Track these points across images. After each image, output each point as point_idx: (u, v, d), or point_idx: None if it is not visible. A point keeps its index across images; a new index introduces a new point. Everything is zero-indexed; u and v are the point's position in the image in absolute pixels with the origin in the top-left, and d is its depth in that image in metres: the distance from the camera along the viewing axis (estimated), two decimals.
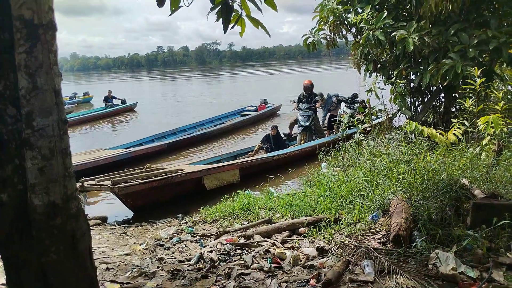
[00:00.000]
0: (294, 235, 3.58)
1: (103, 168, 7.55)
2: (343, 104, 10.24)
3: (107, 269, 3.16)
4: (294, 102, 9.43)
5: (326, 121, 10.36)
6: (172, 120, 16.04)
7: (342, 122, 7.45)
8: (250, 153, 8.79)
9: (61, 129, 1.66)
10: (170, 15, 2.87)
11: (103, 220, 5.25)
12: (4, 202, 1.67)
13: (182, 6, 2.77)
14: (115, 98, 20.05)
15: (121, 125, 17.11)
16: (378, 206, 3.59)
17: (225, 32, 2.99)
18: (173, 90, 35.80)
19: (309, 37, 7.52)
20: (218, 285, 2.75)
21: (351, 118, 7.26)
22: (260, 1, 2.99)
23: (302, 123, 8.95)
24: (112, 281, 2.89)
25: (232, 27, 3.10)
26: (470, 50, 5.63)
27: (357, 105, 9.42)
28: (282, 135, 9.42)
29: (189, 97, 27.32)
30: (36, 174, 1.63)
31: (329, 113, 10.32)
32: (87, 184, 5.68)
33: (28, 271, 1.71)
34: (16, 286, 1.76)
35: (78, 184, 5.77)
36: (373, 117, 7.21)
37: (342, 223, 3.47)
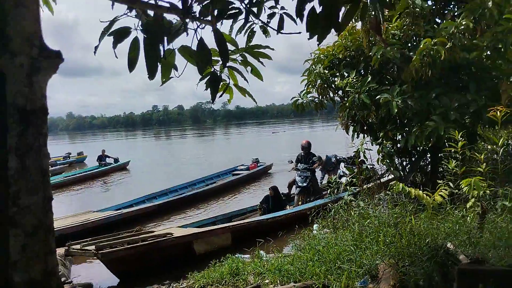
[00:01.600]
0: None
1: (92, 231, 7.45)
2: (342, 165, 10.32)
3: None
4: (292, 162, 9.49)
5: (325, 182, 10.35)
6: (164, 179, 16.05)
7: (340, 183, 7.43)
8: (248, 214, 8.72)
9: (45, 206, 1.72)
10: (161, 85, 3.03)
11: (88, 287, 5.10)
12: None
13: (172, 77, 2.94)
14: (108, 157, 20.41)
15: (113, 184, 17.13)
16: (366, 272, 3.56)
17: (213, 102, 3.13)
18: (166, 149, 36.13)
19: (298, 99, 7.80)
20: None
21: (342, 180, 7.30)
22: (247, 72, 3.19)
23: (300, 184, 8.95)
24: None
25: (221, 96, 3.26)
26: (451, 112, 5.86)
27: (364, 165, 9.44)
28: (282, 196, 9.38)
29: (182, 156, 27.52)
30: (18, 251, 1.66)
31: (327, 174, 10.36)
32: (73, 249, 5.58)
33: None
34: None
35: (64, 249, 5.67)
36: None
37: None
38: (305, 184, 8.91)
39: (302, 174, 8.99)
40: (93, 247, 5.45)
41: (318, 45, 2.61)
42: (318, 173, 10.27)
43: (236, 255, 5.17)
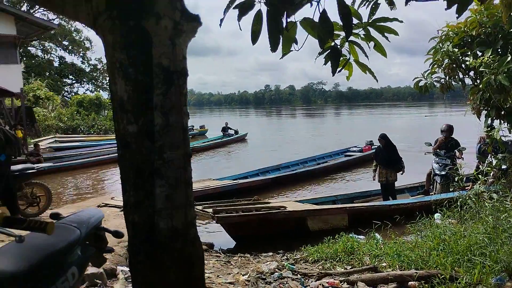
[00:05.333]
0: None
1: (211, 197, 8.00)
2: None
3: None
4: (431, 145, 8.35)
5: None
6: (275, 155, 16.46)
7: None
8: (372, 197, 8.23)
9: (186, 161, 1.85)
10: (281, 58, 3.02)
11: (210, 246, 5.51)
12: (136, 223, 1.88)
13: (292, 50, 2.91)
14: (230, 129, 23.60)
15: (233, 154, 18.72)
16: (503, 268, 3.17)
17: (333, 75, 3.03)
18: (278, 127, 36.89)
19: (421, 79, 7.17)
20: None
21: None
22: (369, 48, 3.00)
23: (437, 172, 8.04)
24: None
25: (340, 71, 3.14)
26: None
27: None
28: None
29: (293, 134, 27.90)
30: (163, 200, 1.81)
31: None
32: (196, 209, 6.07)
33: None
34: None
35: None
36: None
37: (459, 282, 3.13)
38: (443, 173, 7.88)
39: (441, 161, 7.99)
40: (211, 210, 5.88)
41: (457, 17, 2.30)
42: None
43: (351, 235, 5.05)
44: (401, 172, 8.06)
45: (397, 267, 3.78)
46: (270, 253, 5.06)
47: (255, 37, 2.64)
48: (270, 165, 12.32)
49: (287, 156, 14.95)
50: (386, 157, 7.99)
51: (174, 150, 1.81)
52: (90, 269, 3.27)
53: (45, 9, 26.35)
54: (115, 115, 1.90)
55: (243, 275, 3.85)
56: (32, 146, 14.28)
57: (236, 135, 23.18)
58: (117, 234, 2.17)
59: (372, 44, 2.97)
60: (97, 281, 3.30)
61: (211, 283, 3.57)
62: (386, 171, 7.95)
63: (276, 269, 4.01)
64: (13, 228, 1.22)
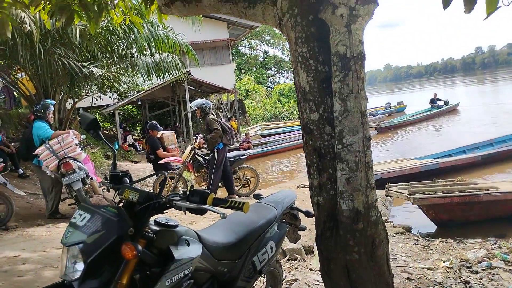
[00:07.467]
0: None
1: (408, 177, 7.62)
2: None
3: (408, 279, 3.22)
4: None
5: None
6: (491, 128, 14.30)
7: None
8: None
9: (365, 145, 1.89)
10: (485, 19, 2.64)
11: (407, 229, 5.32)
12: (320, 204, 2.05)
13: (500, 6, 2.50)
14: (439, 100, 22.41)
15: (440, 129, 17.49)
16: None
17: None
18: (494, 95, 31.72)
19: None
20: None
21: None
22: None
23: None
24: None
25: None
26: None
27: None
28: None
29: None
30: (344, 183, 1.92)
31: None
32: (391, 190, 5.93)
33: (335, 264, 2.02)
34: (326, 275, 2.10)
35: (384, 190, 6.08)
36: None
37: None
38: None
39: None
40: (406, 191, 5.61)
41: None
42: None
43: None
44: None
45: None
46: (478, 240, 4.53)
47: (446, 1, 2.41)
48: (482, 140, 10.81)
49: (504, 129, 12.77)
50: None
51: (353, 134, 1.89)
52: (291, 245, 3.65)
53: None
54: (299, 105, 2.11)
55: (444, 262, 3.61)
56: (244, 134, 16.48)
57: (446, 106, 21.74)
58: (308, 214, 2.37)
59: None
60: (297, 255, 3.67)
61: (407, 266, 3.48)
62: None
63: (485, 258, 3.60)
64: (219, 207, 1.52)
